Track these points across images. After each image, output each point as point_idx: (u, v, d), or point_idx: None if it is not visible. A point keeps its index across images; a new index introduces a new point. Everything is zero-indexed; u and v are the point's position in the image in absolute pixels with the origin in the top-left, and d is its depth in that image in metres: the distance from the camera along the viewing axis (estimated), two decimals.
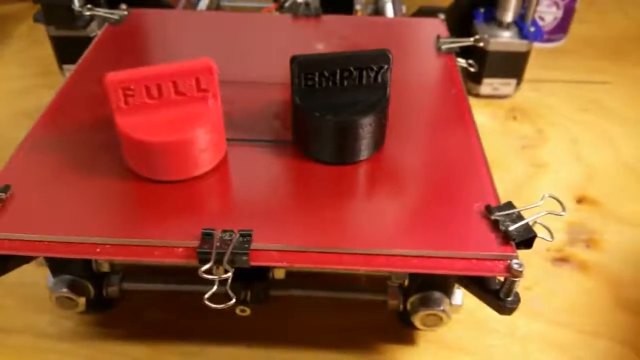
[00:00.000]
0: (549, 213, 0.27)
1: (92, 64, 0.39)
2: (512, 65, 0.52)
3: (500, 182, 0.31)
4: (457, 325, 0.34)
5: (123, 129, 0.28)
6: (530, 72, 0.54)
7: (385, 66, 0.30)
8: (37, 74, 0.56)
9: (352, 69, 0.30)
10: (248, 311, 0.30)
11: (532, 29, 0.50)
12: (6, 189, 0.28)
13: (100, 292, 0.32)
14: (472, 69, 0.43)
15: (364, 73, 0.30)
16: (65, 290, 0.30)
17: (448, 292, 0.30)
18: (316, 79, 0.30)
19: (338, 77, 0.30)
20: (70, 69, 0.51)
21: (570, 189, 0.45)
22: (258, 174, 0.31)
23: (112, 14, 0.43)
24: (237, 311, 0.30)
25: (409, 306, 0.30)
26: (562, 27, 0.62)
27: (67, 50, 0.50)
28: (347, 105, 0.30)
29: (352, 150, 0.31)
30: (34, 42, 0.61)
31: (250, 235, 0.26)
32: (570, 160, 0.48)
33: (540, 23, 0.60)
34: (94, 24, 0.48)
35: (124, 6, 0.44)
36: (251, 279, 0.30)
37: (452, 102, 0.36)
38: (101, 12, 0.43)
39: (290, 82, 0.30)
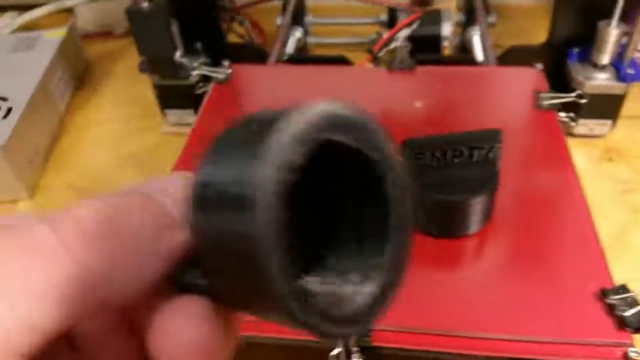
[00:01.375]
0: None
1: (207, 125, 0.41)
2: (608, 107, 0.51)
3: (599, 231, 0.31)
4: None
5: None
6: (624, 107, 0.52)
7: (497, 145, 0.30)
8: (138, 116, 0.59)
9: (462, 148, 0.31)
10: None
11: (631, 71, 0.49)
12: None
13: None
14: (573, 124, 0.42)
15: (475, 152, 0.31)
16: None
17: None
18: (427, 158, 0.31)
19: (449, 156, 0.31)
20: (171, 112, 0.55)
21: None
22: None
23: (217, 72, 0.45)
24: None
25: None
26: None
27: (169, 97, 0.53)
28: (458, 183, 0.31)
29: (461, 226, 0.31)
30: (133, 80, 0.64)
31: None
32: None
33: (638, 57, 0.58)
34: (194, 74, 0.51)
35: (226, 63, 0.45)
36: None
37: (559, 169, 0.36)
38: (207, 70, 0.46)
39: None
